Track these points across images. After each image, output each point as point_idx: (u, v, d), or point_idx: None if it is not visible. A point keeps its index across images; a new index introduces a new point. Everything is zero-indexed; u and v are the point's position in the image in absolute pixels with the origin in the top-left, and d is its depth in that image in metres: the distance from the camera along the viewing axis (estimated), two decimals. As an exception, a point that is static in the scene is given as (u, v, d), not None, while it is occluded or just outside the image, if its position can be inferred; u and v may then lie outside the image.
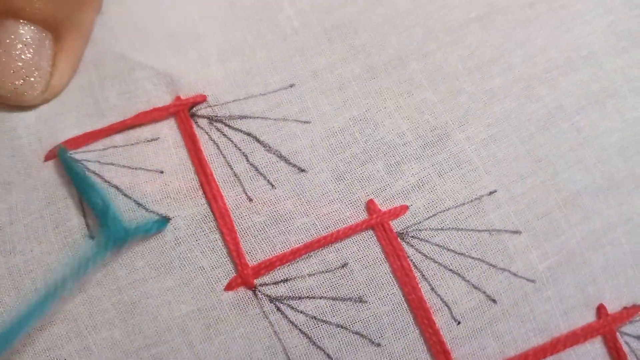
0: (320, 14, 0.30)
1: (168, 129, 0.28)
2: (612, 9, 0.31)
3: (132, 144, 0.28)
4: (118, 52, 0.30)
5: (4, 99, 0.27)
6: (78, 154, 0.28)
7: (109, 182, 0.27)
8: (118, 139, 0.28)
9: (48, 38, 0.27)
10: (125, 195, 0.27)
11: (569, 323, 0.27)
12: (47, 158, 0.28)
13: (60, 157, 0.27)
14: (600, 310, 0.27)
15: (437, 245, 0.27)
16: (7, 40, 0.27)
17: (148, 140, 0.28)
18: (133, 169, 0.27)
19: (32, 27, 0.27)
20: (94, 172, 0.27)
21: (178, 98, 0.29)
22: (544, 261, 0.27)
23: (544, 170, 0.28)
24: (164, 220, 0.26)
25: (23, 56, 0.27)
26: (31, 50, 0.27)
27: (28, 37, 0.27)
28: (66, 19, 0.27)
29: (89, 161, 0.28)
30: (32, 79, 0.27)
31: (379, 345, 0.26)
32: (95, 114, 0.29)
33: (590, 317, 0.27)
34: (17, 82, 0.27)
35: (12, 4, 0.26)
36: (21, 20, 0.27)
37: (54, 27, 0.27)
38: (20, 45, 0.27)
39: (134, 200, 0.27)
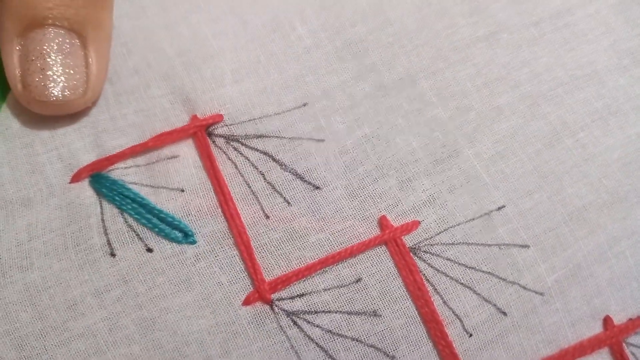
0: (331, 33, 0.31)
1: (187, 148, 0.29)
2: (614, 28, 0.32)
3: (154, 162, 0.29)
4: (132, 67, 0.30)
5: (51, 107, 0.28)
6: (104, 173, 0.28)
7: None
8: (140, 159, 0.29)
9: (76, 39, 0.28)
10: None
11: (576, 334, 0.27)
12: (74, 180, 0.28)
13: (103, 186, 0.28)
14: (607, 321, 0.28)
15: (449, 259, 0.28)
16: (38, 48, 0.27)
17: (169, 158, 0.29)
18: (156, 187, 0.28)
19: (60, 30, 0.28)
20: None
21: (195, 117, 0.29)
22: (552, 274, 0.28)
23: (551, 185, 0.29)
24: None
25: (57, 58, 0.27)
26: (63, 51, 0.28)
27: (58, 39, 0.28)
28: (87, 20, 0.28)
29: (113, 178, 0.28)
30: (75, 82, 0.28)
31: (393, 357, 0.26)
32: (113, 130, 0.29)
33: (597, 329, 0.28)
34: (59, 84, 0.27)
35: (35, 15, 0.27)
36: (47, 27, 0.27)
37: (78, 29, 0.28)
38: (53, 48, 0.27)
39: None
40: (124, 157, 0.28)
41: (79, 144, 0.29)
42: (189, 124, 0.29)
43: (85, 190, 0.28)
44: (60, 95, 0.28)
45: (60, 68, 0.28)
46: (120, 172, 0.28)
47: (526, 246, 0.28)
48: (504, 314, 0.27)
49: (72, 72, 0.28)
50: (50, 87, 0.27)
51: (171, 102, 0.30)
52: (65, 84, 0.28)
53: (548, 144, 0.29)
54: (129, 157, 0.29)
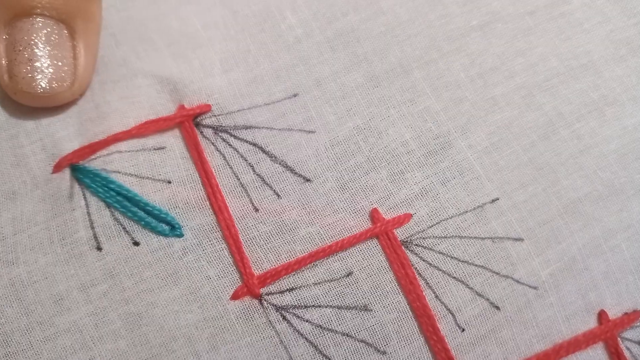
0: (322, 23, 0.31)
1: (174, 139, 0.28)
2: (611, 17, 0.31)
3: (137, 151, 0.28)
4: (120, 57, 0.30)
5: (38, 99, 0.27)
6: (85, 163, 0.28)
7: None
8: (122, 145, 0.28)
9: (64, 30, 0.27)
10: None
11: (571, 329, 0.27)
12: (55, 170, 0.28)
13: (79, 173, 0.27)
14: (602, 316, 0.27)
15: (441, 253, 0.27)
16: (25, 38, 0.27)
17: (155, 149, 0.28)
18: (140, 178, 0.28)
19: (48, 21, 0.27)
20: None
21: (182, 107, 0.29)
22: (546, 268, 0.27)
23: (545, 177, 0.28)
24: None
25: (45, 49, 0.27)
26: (51, 42, 0.27)
27: (47, 29, 0.27)
28: (77, 10, 0.28)
29: (96, 169, 0.28)
30: (61, 71, 0.27)
31: (384, 353, 0.26)
32: (96, 118, 0.29)
33: (591, 323, 0.27)
34: (47, 76, 0.27)
35: (23, 4, 0.27)
36: (35, 16, 0.27)
37: (66, 20, 0.27)
38: (41, 39, 0.27)
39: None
40: (106, 144, 0.28)
41: (62, 133, 0.28)
42: (175, 113, 0.29)
43: (67, 181, 0.27)
44: (47, 87, 0.27)
45: (48, 60, 0.27)
46: (102, 161, 0.28)
47: (520, 239, 0.27)
48: (497, 308, 0.27)
49: (59, 63, 0.27)
50: (38, 79, 0.27)
51: (158, 91, 0.29)
52: (53, 76, 0.27)
53: (543, 135, 0.29)
54: (111, 144, 0.28)
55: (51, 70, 0.27)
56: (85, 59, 0.28)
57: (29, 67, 0.27)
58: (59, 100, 0.28)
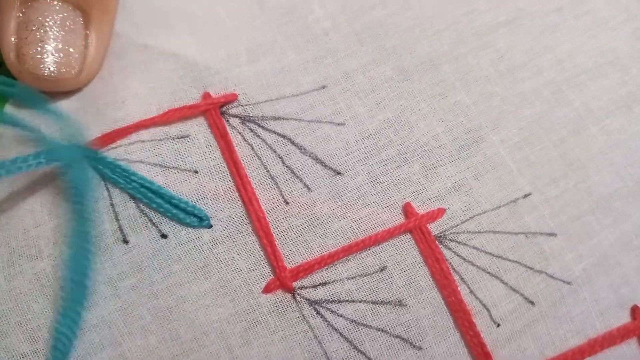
0: (349, 16, 0.30)
1: (197, 126, 0.28)
2: (636, 15, 0.31)
3: (160, 140, 0.27)
4: (141, 43, 0.29)
5: (43, 81, 0.27)
6: (105, 152, 0.27)
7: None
8: (144, 133, 0.27)
9: (79, 17, 0.27)
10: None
11: (604, 324, 0.27)
12: None
13: (95, 161, 0.26)
14: (635, 311, 0.27)
15: (475, 248, 0.27)
16: (40, 18, 0.26)
17: (178, 137, 0.27)
18: (165, 167, 0.27)
19: (66, 5, 0.26)
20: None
21: (207, 95, 0.28)
22: (579, 263, 0.27)
23: (576, 173, 0.28)
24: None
25: (59, 33, 0.26)
26: (65, 27, 0.26)
27: (63, 14, 0.26)
28: (96, 1, 0.27)
29: (117, 160, 0.27)
30: (70, 57, 0.27)
31: (420, 348, 0.25)
32: (114, 102, 0.28)
33: (625, 318, 0.27)
34: (56, 59, 0.26)
35: None
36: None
37: (84, 8, 0.27)
38: (56, 22, 0.26)
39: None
40: (128, 132, 0.27)
41: (80, 119, 0.27)
42: (201, 101, 0.28)
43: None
44: (54, 71, 0.26)
45: (60, 44, 0.26)
46: (124, 150, 0.27)
47: (553, 234, 0.27)
48: (532, 303, 0.26)
49: (70, 49, 0.27)
50: (46, 61, 0.26)
51: (180, 76, 0.28)
52: (62, 61, 0.26)
53: (573, 131, 0.29)
54: (133, 132, 0.27)
55: (61, 54, 0.26)
56: (96, 49, 0.28)
57: (39, 48, 0.26)
58: (62, 87, 0.27)
